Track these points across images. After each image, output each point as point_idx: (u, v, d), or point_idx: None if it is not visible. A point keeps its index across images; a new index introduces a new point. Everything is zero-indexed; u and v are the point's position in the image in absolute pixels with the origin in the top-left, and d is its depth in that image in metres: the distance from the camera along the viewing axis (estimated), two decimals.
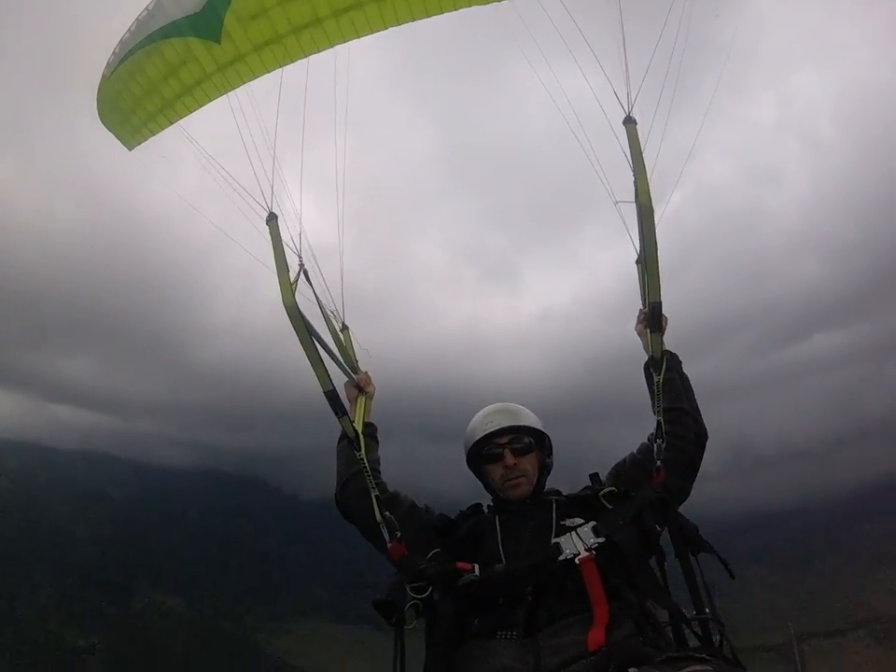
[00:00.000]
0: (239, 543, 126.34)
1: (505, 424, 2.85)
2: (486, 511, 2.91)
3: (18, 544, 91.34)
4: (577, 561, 2.32)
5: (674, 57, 2.73)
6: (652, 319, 2.69)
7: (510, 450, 2.81)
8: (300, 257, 3.14)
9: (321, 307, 3.36)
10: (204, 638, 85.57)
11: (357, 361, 3.61)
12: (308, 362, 2.72)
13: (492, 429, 2.85)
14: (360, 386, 3.43)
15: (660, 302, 2.64)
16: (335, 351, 3.40)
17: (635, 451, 2.93)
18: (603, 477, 2.95)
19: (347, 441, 2.90)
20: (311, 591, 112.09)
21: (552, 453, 3.00)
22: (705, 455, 2.84)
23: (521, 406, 2.99)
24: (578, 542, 2.40)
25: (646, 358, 3.01)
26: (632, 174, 2.73)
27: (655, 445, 2.67)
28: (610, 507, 2.58)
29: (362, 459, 2.78)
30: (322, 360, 2.77)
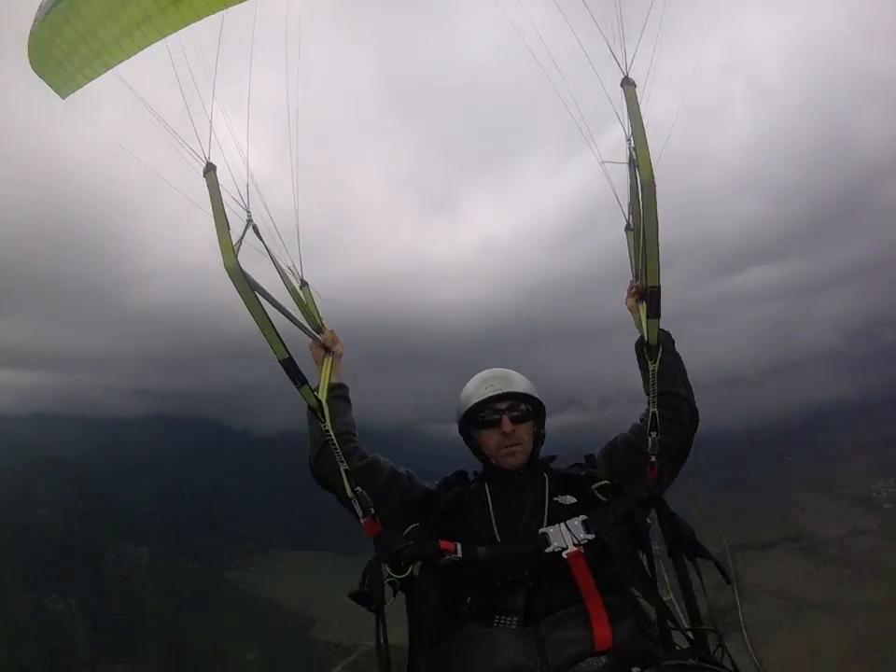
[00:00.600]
0: (197, 485, 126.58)
1: (505, 389, 2.68)
2: (472, 479, 2.76)
3: None
4: (564, 556, 2.24)
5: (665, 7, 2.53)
6: (651, 304, 2.50)
7: (508, 416, 2.65)
8: (247, 211, 2.81)
9: (276, 265, 3.06)
10: (176, 583, 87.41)
11: (321, 319, 3.30)
12: (258, 329, 2.43)
13: (491, 394, 2.67)
14: (326, 346, 3.17)
15: (659, 287, 2.45)
16: (294, 312, 3.10)
17: (627, 431, 2.78)
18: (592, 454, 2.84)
19: (312, 412, 2.66)
20: (271, 523, 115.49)
21: (545, 423, 2.86)
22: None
23: (517, 373, 2.84)
24: (567, 535, 2.30)
25: (637, 337, 2.88)
26: (627, 140, 2.59)
27: (650, 438, 2.55)
28: (604, 499, 2.47)
29: (328, 432, 2.57)
30: (273, 326, 2.42)
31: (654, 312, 2.51)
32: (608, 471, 2.65)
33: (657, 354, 2.59)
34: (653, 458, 2.54)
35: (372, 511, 2.51)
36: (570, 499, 2.49)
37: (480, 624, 2.22)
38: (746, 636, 63.86)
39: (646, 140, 2.26)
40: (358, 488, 2.54)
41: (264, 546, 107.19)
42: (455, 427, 2.89)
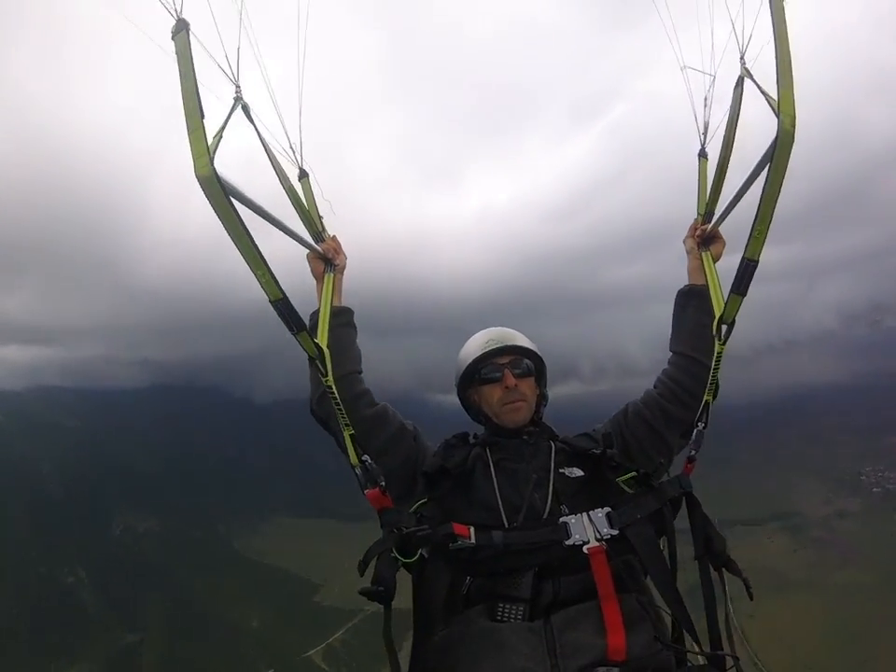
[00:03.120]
0: (199, 453, 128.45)
1: (507, 343, 2.61)
2: (474, 441, 2.59)
3: None
4: (585, 550, 2.11)
5: None
6: (741, 279, 2.05)
7: (510, 370, 2.55)
8: (237, 85, 2.12)
9: (270, 158, 2.50)
10: (183, 552, 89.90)
11: (321, 221, 2.78)
12: (243, 260, 1.81)
13: (492, 347, 2.58)
14: (328, 258, 2.71)
15: (756, 262, 1.99)
16: (289, 223, 2.52)
17: (638, 400, 2.61)
18: (601, 427, 2.67)
19: (311, 360, 2.24)
20: (275, 490, 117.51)
21: (546, 383, 2.76)
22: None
23: (518, 332, 2.75)
24: (589, 528, 2.16)
25: (685, 284, 2.70)
26: (741, 58, 2.18)
27: (696, 431, 2.37)
28: (630, 491, 2.28)
29: (330, 387, 2.22)
30: (263, 259, 1.77)
31: (744, 288, 2.11)
32: (619, 448, 2.50)
33: (729, 334, 2.23)
34: (693, 452, 2.36)
35: (383, 483, 2.24)
36: (577, 472, 2.37)
37: (484, 613, 2.10)
38: (730, 608, 66.57)
39: (791, 73, 1.71)
40: (366, 457, 2.27)
41: (269, 513, 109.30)
42: (455, 397, 2.76)
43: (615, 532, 2.15)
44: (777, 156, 1.73)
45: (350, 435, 2.27)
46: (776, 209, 1.83)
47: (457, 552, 2.17)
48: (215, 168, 1.65)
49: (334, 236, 2.81)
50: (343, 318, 2.66)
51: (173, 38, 1.81)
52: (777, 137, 1.70)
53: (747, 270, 2.03)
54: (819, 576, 69.85)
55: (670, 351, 2.65)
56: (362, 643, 65.06)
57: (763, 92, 1.96)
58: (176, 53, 1.78)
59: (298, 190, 2.69)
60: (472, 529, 2.19)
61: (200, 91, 1.70)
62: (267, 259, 1.80)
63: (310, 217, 2.71)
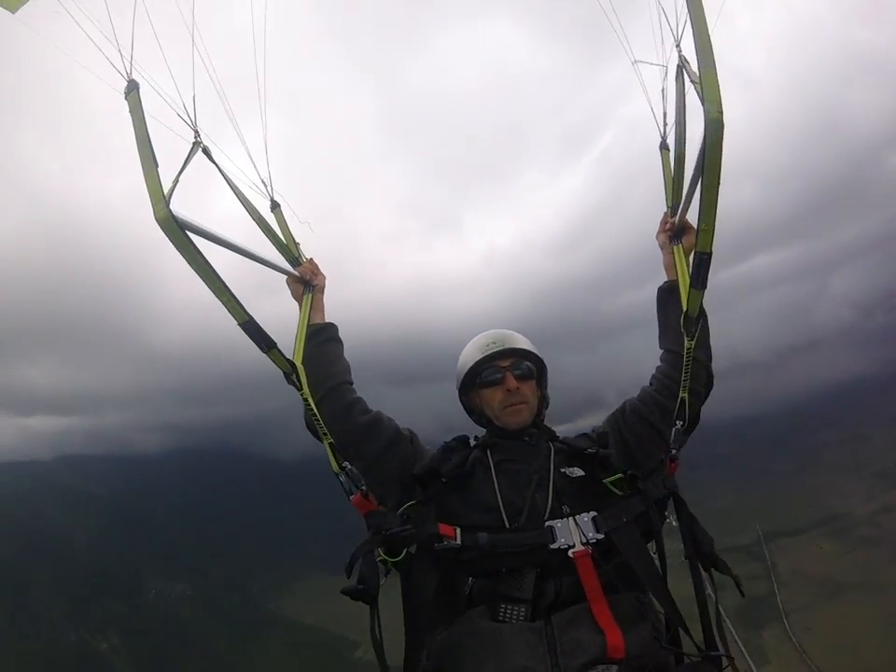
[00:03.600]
0: (229, 515, 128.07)
1: (508, 345, 2.61)
2: (474, 444, 2.59)
3: (18, 562, 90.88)
4: (570, 554, 2.13)
5: None
6: (699, 272, 2.08)
7: (511, 373, 2.55)
8: (195, 131, 2.26)
9: (235, 192, 2.57)
10: (218, 615, 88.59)
11: (297, 246, 2.89)
12: (210, 291, 1.95)
13: (493, 350, 2.58)
14: (306, 279, 2.80)
15: (710, 254, 2.00)
16: (259, 251, 2.64)
17: (636, 397, 2.62)
18: (599, 427, 2.68)
19: (287, 377, 2.28)
20: (305, 549, 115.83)
21: (547, 384, 2.75)
22: None
23: (517, 333, 2.73)
24: (575, 532, 2.18)
25: (664, 280, 2.69)
26: (676, 45, 2.18)
27: (674, 429, 2.36)
28: (618, 493, 2.28)
29: (307, 400, 2.29)
30: (225, 286, 1.94)
31: (702, 282, 2.14)
32: (616, 445, 2.52)
33: (697, 328, 2.25)
34: (675, 451, 2.37)
35: (364, 488, 2.32)
36: (578, 472, 2.37)
37: (485, 613, 2.12)
38: (787, 624, 63.43)
39: (712, 56, 1.71)
40: (346, 464, 2.33)
41: (302, 572, 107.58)
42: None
43: (601, 536, 2.17)
44: (708, 146, 1.72)
45: (329, 444, 2.33)
46: (718, 199, 1.82)
47: (443, 552, 2.19)
48: (170, 210, 1.81)
49: (311, 259, 2.89)
50: (327, 334, 2.72)
51: (126, 98, 2.02)
52: (705, 126, 1.70)
53: (701, 263, 2.05)
54: (873, 575, 66.24)
55: (660, 348, 2.66)
56: None
57: (692, 81, 1.92)
58: (129, 111, 2.01)
59: (272, 220, 2.84)
60: (458, 530, 2.22)
61: (153, 141, 1.90)
62: (230, 287, 1.94)
63: (283, 244, 2.81)
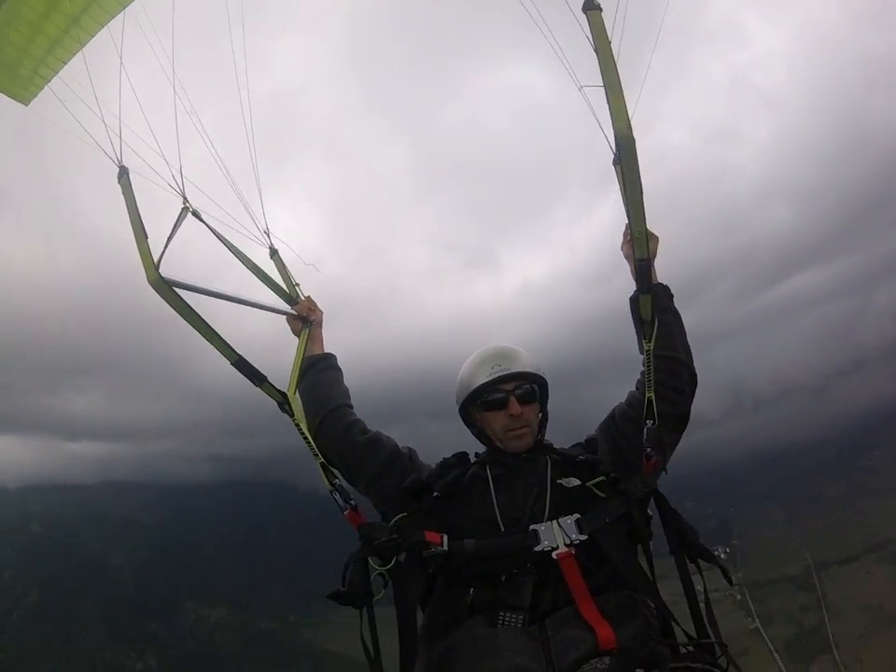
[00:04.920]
0: (269, 545, 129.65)
1: (512, 369, 2.54)
2: (473, 460, 2.62)
3: (60, 584, 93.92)
4: (554, 556, 2.16)
5: None
6: (640, 279, 2.25)
7: (515, 397, 2.51)
8: (184, 197, 2.59)
9: (226, 245, 2.83)
10: (254, 642, 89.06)
11: (296, 286, 3.09)
12: (199, 335, 2.27)
13: (498, 375, 2.53)
14: (303, 316, 2.98)
15: (647, 260, 2.21)
16: (263, 296, 2.92)
17: (624, 402, 2.65)
18: (591, 434, 2.71)
19: (280, 406, 2.49)
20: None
21: (548, 402, 2.71)
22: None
23: (522, 349, 2.68)
24: (559, 534, 2.21)
25: (633, 289, 2.66)
26: (602, 84, 2.21)
27: (646, 428, 2.40)
28: (602, 495, 2.33)
29: (298, 425, 2.46)
30: (215, 332, 2.26)
31: (645, 287, 2.26)
32: (609, 450, 2.56)
33: (652, 330, 2.34)
34: (649, 450, 2.38)
35: (353, 503, 2.43)
36: (574, 481, 2.40)
37: (484, 621, 2.14)
38: (837, 654, 59.55)
39: (619, 83, 1.85)
40: (337, 480, 2.47)
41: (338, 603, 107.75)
42: None
43: (584, 537, 2.21)
44: (623, 160, 1.86)
45: (321, 463, 2.47)
46: (644, 206, 1.96)
47: (431, 559, 2.25)
48: (160, 274, 2.14)
49: (308, 297, 3.08)
50: (325, 363, 2.89)
51: (118, 181, 2.32)
52: (616, 143, 1.85)
53: (640, 269, 2.23)
54: None
55: (640, 354, 2.66)
56: None
57: (607, 102, 2.03)
58: (122, 192, 2.31)
59: (270, 266, 3.11)
60: (445, 537, 2.26)
61: (143, 218, 2.20)
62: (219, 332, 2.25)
63: (279, 287, 3.04)
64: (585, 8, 1.96)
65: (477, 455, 2.65)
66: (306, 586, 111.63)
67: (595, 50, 1.91)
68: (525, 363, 2.59)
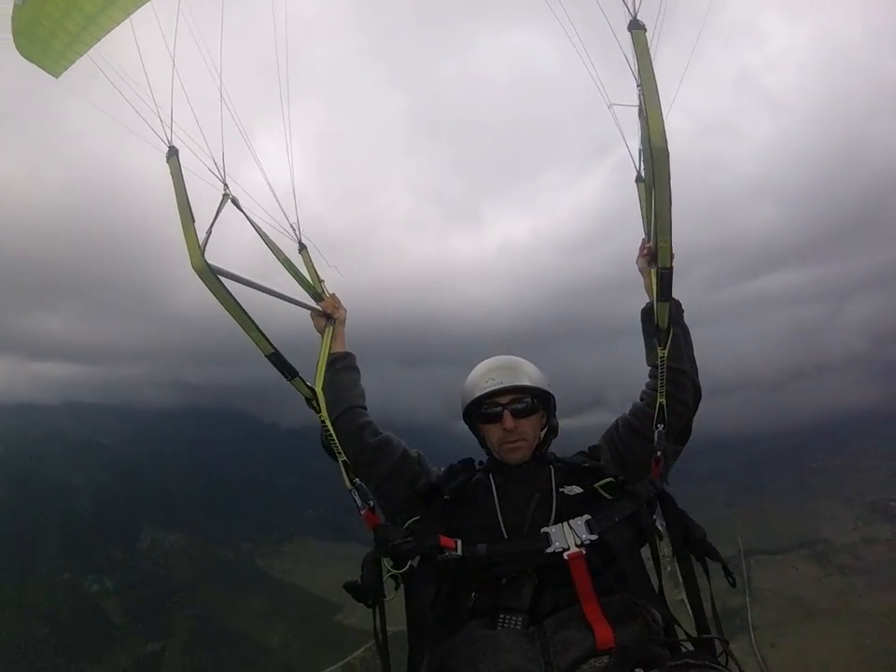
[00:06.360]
0: (228, 475, 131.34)
1: (507, 383, 2.56)
2: (479, 467, 2.67)
3: (20, 504, 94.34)
4: (565, 557, 2.19)
5: None
6: (662, 286, 2.27)
7: (509, 411, 2.54)
8: (224, 184, 2.58)
9: (263, 238, 2.86)
10: (208, 568, 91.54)
11: (322, 282, 3.15)
12: (238, 325, 2.27)
13: (492, 388, 2.56)
14: (328, 314, 3.04)
15: (671, 269, 2.21)
16: (286, 290, 2.93)
17: (627, 413, 2.68)
18: (595, 443, 2.74)
19: (308, 402, 2.52)
20: (300, 513, 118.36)
21: (556, 413, 2.73)
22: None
23: (525, 361, 2.70)
24: (569, 535, 2.24)
25: (645, 301, 2.80)
26: (639, 98, 2.31)
27: (656, 432, 2.44)
28: (608, 497, 2.37)
29: (324, 422, 2.49)
30: (254, 323, 2.26)
31: (665, 294, 2.29)
32: (612, 459, 2.58)
33: (668, 338, 2.40)
34: (659, 453, 2.42)
35: (371, 503, 2.46)
36: (576, 489, 2.44)
37: (484, 624, 2.17)
38: (753, 637, 64.32)
39: (658, 100, 1.91)
40: (357, 479, 2.49)
41: (293, 534, 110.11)
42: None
43: (594, 537, 2.23)
44: (656, 172, 1.90)
45: (343, 462, 2.49)
46: (671, 218, 1.99)
47: (445, 563, 2.28)
48: (206, 260, 2.10)
49: (333, 294, 3.13)
50: (345, 362, 2.93)
51: (167, 162, 2.27)
52: (651, 155, 1.88)
53: (663, 278, 2.24)
54: (845, 603, 66.84)
55: (648, 365, 2.73)
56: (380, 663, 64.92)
57: (641, 115, 2.12)
58: (171, 174, 2.24)
59: (299, 261, 3.13)
60: (459, 542, 2.29)
61: (190, 200, 2.17)
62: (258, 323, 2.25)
63: (307, 282, 3.08)
64: (631, 27, 2.03)
65: (481, 463, 2.71)
66: (263, 516, 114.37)
67: (635, 67, 2.01)
68: (526, 377, 2.61)
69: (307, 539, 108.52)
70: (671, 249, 2.18)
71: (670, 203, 1.99)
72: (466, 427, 2.82)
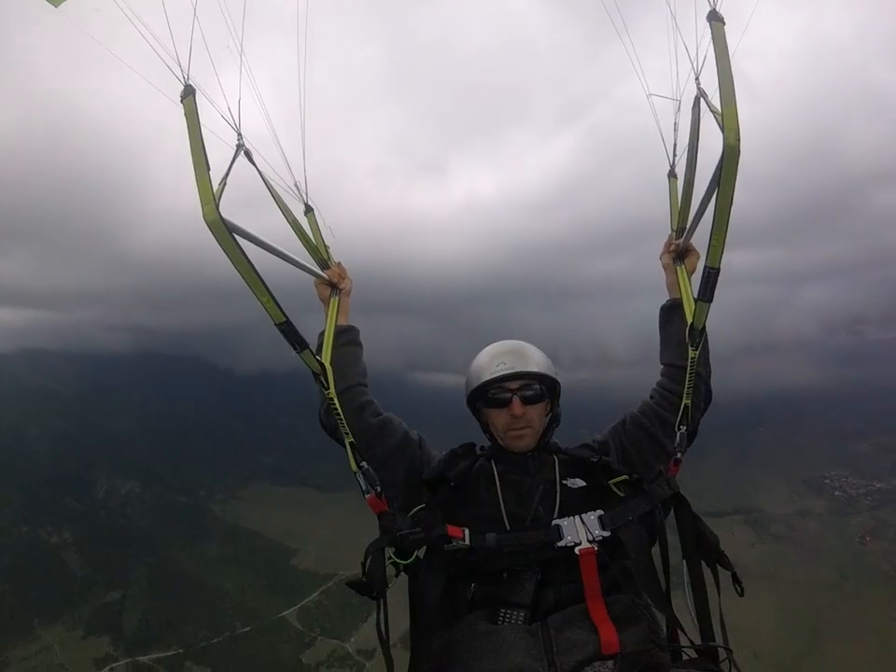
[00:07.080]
0: (183, 420, 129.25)
1: (517, 368, 2.50)
2: (480, 453, 2.62)
3: None
4: (577, 552, 2.16)
5: None
6: (707, 285, 2.17)
7: (518, 397, 2.48)
8: (238, 134, 2.31)
9: (273, 195, 2.64)
10: (164, 514, 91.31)
11: (328, 249, 2.97)
12: (250, 290, 2.00)
13: (502, 373, 2.49)
14: (333, 283, 2.88)
15: (718, 269, 2.09)
16: (292, 253, 2.66)
17: (636, 410, 2.66)
18: (600, 437, 2.71)
19: (315, 377, 2.42)
20: (255, 459, 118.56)
21: (559, 401, 2.67)
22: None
23: (534, 347, 2.63)
24: (581, 530, 2.21)
25: (667, 298, 2.78)
26: (696, 79, 2.27)
27: (678, 433, 2.46)
28: (622, 494, 2.32)
29: (331, 400, 2.39)
30: (267, 288, 1.98)
31: (709, 294, 2.21)
32: (619, 457, 2.55)
33: (701, 339, 2.36)
34: (679, 455, 2.42)
35: (378, 488, 2.38)
36: (579, 482, 2.40)
37: (486, 617, 2.13)
38: (688, 592, 69.48)
39: (734, 94, 1.84)
40: (364, 463, 2.41)
41: (248, 480, 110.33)
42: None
43: (606, 534, 2.20)
44: (724, 169, 1.84)
45: (350, 443, 2.40)
46: (730, 218, 1.93)
47: (453, 553, 2.22)
48: (220, 212, 1.81)
49: (339, 263, 2.95)
50: (348, 336, 2.80)
51: (182, 101, 1.98)
52: (723, 152, 1.82)
53: (709, 277, 2.15)
54: (776, 570, 72.62)
55: (661, 364, 2.73)
56: (335, 606, 67.13)
57: (712, 110, 2.05)
58: (185, 115, 1.95)
59: (304, 223, 2.89)
60: (467, 531, 2.23)
61: (205, 142, 1.88)
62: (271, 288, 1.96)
63: (314, 247, 2.88)
64: (710, 18, 1.99)
65: (482, 448, 2.67)
66: (218, 462, 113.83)
67: (717, 68, 1.94)
68: (536, 363, 2.57)
69: (262, 484, 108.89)
70: (722, 250, 2.07)
71: (731, 203, 1.92)
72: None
